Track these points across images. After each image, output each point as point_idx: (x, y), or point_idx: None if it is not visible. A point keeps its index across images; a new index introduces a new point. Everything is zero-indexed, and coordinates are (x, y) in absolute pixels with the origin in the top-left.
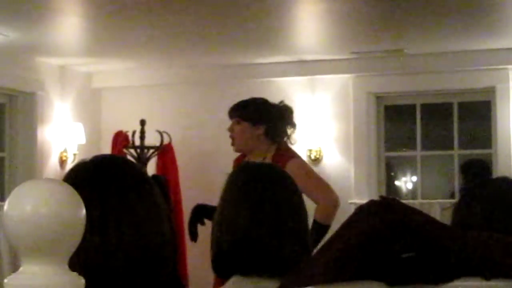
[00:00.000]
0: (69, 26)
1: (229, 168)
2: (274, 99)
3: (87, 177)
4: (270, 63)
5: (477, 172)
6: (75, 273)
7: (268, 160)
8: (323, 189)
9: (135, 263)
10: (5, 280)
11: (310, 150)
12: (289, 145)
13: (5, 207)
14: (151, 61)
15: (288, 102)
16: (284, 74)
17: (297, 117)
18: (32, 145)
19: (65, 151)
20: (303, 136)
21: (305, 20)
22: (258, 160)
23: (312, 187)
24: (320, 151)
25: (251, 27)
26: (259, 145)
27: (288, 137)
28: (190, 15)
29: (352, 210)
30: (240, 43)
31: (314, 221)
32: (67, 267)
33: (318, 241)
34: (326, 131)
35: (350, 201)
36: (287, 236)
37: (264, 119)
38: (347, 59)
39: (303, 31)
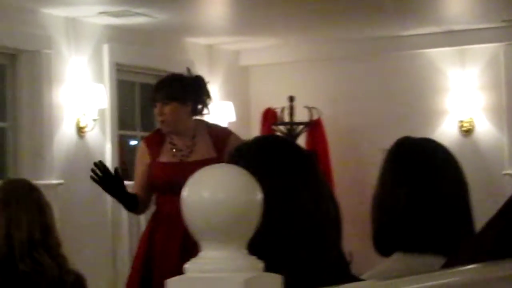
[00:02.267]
0: (215, 5)
1: (376, 142)
2: (423, 70)
3: (249, 157)
4: (418, 35)
5: None
6: (254, 257)
7: (203, 137)
8: None
9: (301, 242)
10: (186, 265)
11: (461, 122)
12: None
13: (183, 194)
14: (298, 37)
15: (437, 74)
16: (433, 45)
17: (447, 88)
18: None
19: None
20: (453, 107)
21: None
22: (187, 139)
23: None
24: (472, 121)
25: None
26: (188, 123)
27: (208, 109)
28: None
29: (506, 181)
30: (387, 15)
31: None
32: (246, 251)
33: None
34: (476, 102)
35: (504, 172)
36: (448, 212)
37: (191, 95)
38: (498, 27)
39: (452, 1)
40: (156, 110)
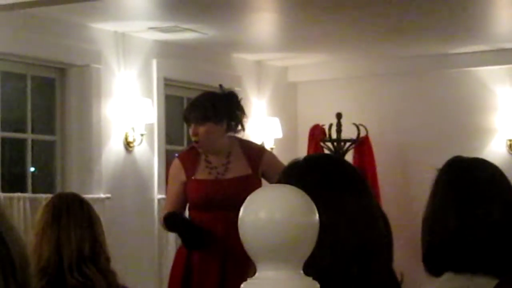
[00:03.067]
0: (264, 22)
1: (423, 160)
2: (471, 88)
3: (301, 176)
4: (468, 53)
5: None
6: (310, 278)
7: (237, 154)
8: None
9: (351, 260)
10: (242, 286)
11: (510, 140)
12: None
13: (240, 214)
14: (346, 54)
15: (486, 92)
16: (482, 63)
17: (496, 107)
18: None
19: (262, 144)
20: (502, 126)
21: (504, 7)
22: (222, 156)
23: None
24: None
25: (448, 17)
26: (222, 141)
27: (243, 125)
28: (384, 6)
29: None
30: (436, 33)
31: None
32: (302, 272)
33: None
34: None
35: None
36: (500, 232)
37: (224, 114)
38: None
39: (502, 19)
40: (190, 130)
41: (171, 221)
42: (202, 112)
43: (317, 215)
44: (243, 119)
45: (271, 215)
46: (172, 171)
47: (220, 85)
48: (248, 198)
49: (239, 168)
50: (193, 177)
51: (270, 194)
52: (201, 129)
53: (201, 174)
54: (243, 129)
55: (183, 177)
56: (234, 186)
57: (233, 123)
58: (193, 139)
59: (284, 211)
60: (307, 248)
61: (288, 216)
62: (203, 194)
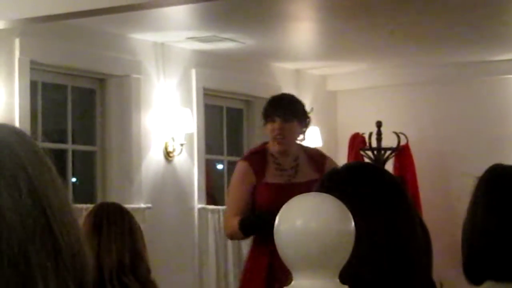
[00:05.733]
0: (302, 31)
1: (464, 168)
2: (510, 96)
3: (340, 185)
4: (507, 60)
5: None
6: (346, 286)
7: (304, 160)
8: None
9: (390, 270)
10: None
11: None
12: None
13: (276, 222)
14: (385, 62)
15: None
16: None
17: None
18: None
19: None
20: None
21: None
22: (291, 159)
23: None
24: None
25: (486, 23)
26: (296, 143)
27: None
28: (424, 14)
29: None
30: (474, 41)
31: None
32: (338, 280)
33: None
34: None
35: None
36: None
37: (304, 117)
38: None
39: None
40: (273, 126)
41: (249, 222)
42: (292, 110)
43: (353, 224)
44: (308, 126)
45: (307, 224)
46: (240, 173)
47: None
48: (284, 206)
49: (308, 172)
50: (263, 180)
51: (306, 203)
52: (287, 126)
53: (273, 177)
54: (304, 136)
55: (253, 179)
56: (306, 190)
57: (305, 128)
58: (275, 135)
59: (319, 219)
60: (342, 256)
61: (324, 225)
62: (277, 197)
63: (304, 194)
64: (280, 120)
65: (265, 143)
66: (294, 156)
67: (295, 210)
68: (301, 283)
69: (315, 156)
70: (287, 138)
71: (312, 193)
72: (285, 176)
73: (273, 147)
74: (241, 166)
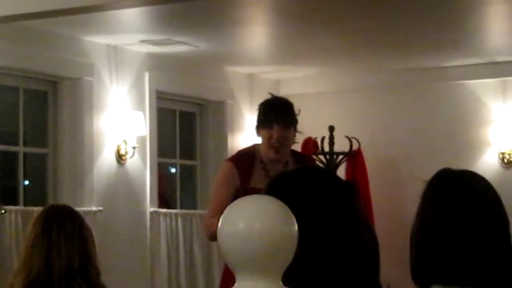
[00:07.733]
0: (256, 35)
1: (416, 173)
2: (464, 101)
3: (287, 188)
4: (460, 66)
5: None
6: None
7: (292, 164)
8: None
9: (335, 272)
10: None
11: (503, 153)
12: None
13: (219, 224)
14: (338, 67)
15: (479, 105)
16: (475, 76)
17: (489, 120)
18: (222, 153)
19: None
20: (495, 139)
21: (497, 21)
22: (280, 165)
23: None
24: None
25: (440, 30)
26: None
27: None
28: (376, 20)
29: None
30: (429, 46)
31: None
32: (280, 282)
33: None
34: None
35: None
36: (488, 245)
37: (297, 120)
38: None
39: (495, 32)
40: (271, 133)
41: None
42: (291, 116)
43: (296, 226)
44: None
45: (250, 225)
46: (225, 174)
47: (271, 94)
48: (228, 208)
49: None
50: (248, 185)
51: (249, 205)
52: (285, 134)
53: (258, 182)
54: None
55: (237, 182)
56: None
57: (296, 132)
58: (273, 142)
59: (263, 221)
60: (286, 258)
61: (267, 226)
62: None
63: (248, 196)
64: (279, 128)
65: (256, 145)
66: (284, 162)
67: (239, 212)
68: (245, 285)
69: (304, 161)
70: (284, 145)
71: (256, 195)
72: None
73: (267, 154)
74: (226, 166)
